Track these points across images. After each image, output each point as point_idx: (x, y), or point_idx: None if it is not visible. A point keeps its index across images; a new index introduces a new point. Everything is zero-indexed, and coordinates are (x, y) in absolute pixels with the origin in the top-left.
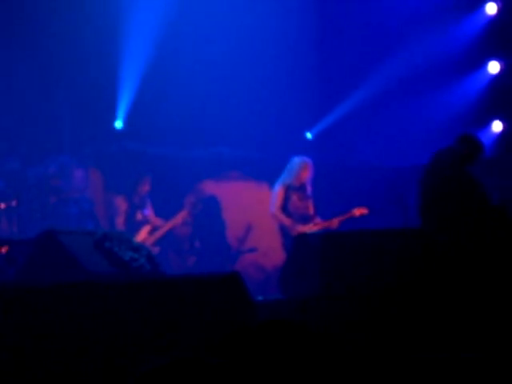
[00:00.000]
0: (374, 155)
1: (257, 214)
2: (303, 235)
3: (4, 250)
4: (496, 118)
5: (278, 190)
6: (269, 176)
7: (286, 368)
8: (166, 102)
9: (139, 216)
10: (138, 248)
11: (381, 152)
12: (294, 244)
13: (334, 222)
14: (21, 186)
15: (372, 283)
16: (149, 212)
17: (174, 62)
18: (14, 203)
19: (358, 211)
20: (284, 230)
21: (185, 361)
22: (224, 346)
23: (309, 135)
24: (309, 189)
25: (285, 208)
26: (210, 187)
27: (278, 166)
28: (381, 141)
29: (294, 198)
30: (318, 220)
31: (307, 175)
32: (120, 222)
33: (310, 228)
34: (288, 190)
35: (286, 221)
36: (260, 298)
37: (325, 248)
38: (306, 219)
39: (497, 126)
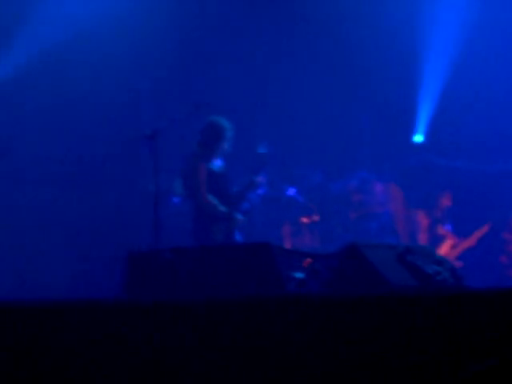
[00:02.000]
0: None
1: None
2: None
3: (307, 263)
4: None
5: None
6: None
7: None
8: (469, 113)
9: (441, 230)
10: (441, 261)
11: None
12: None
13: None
14: (323, 200)
15: None
16: (449, 227)
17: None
18: (316, 218)
19: None
20: None
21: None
22: None
23: None
24: None
25: None
26: None
27: None
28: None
29: None
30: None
31: None
32: (423, 237)
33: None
34: None
35: None
36: None
37: None
38: None
39: None
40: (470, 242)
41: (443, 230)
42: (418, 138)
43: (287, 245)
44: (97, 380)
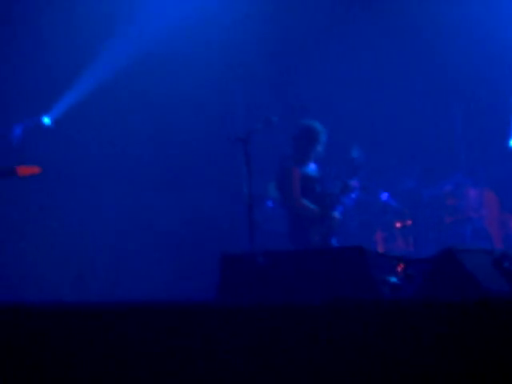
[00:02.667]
0: None
1: None
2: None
3: (401, 267)
4: None
5: None
6: None
7: None
8: None
9: None
10: None
11: None
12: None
13: None
14: (416, 205)
15: None
16: None
17: None
18: (409, 222)
19: None
20: None
21: None
22: None
23: None
24: None
25: None
26: None
27: None
28: None
29: None
30: None
31: None
32: None
33: None
34: None
35: None
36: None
37: None
38: None
39: None
40: None
41: None
42: None
43: (380, 249)
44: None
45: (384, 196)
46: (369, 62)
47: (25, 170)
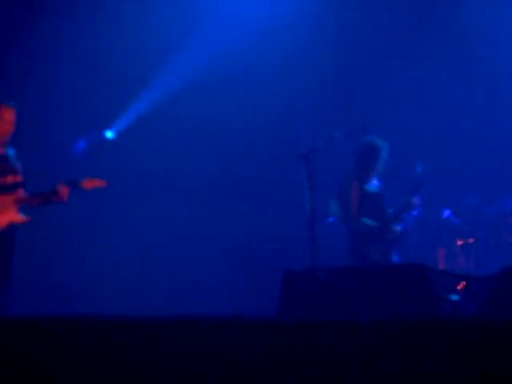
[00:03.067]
0: None
1: None
2: None
3: (462, 285)
4: None
5: None
6: None
7: None
8: None
9: None
10: None
11: None
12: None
13: None
14: (478, 223)
15: None
16: None
17: None
18: (470, 240)
19: None
20: None
21: None
22: None
23: None
24: None
25: None
26: None
27: None
28: None
29: None
30: None
31: None
32: None
33: None
34: None
35: None
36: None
37: None
38: None
39: None
40: None
41: None
42: None
43: (441, 266)
44: None
45: (446, 213)
46: (431, 77)
47: (90, 183)
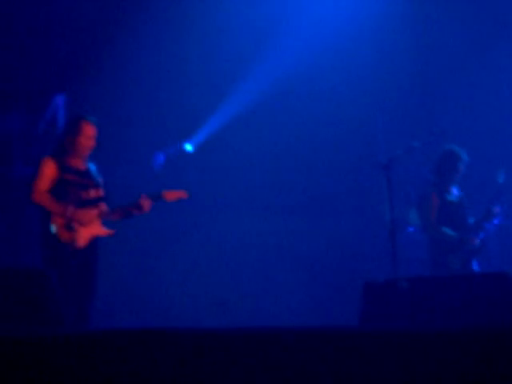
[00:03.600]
0: None
1: None
2: None
3: None
4: None
5: None
6: None
7: None
8: None
9: None
10: None
11: None
12: None
13: None
14: None
15: None
16: None
17: None
18: None
19: None
20: None
21: None
22: None
23: None
24: None
25: None
26: None
27: None
28: None
29: None
30: None
31: None
32: None
33: None
34: None
35: None
36: None
37: None
38: None
39: None
40: None
41: None
42: None
43: None
44: None
45: None
46: (510, 84)
47: (172, 195)
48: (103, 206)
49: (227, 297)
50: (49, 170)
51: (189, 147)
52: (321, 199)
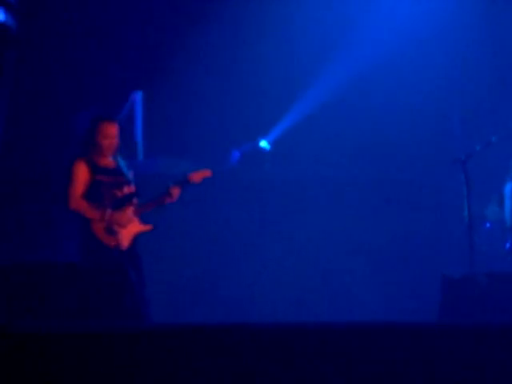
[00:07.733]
0: None
1: None
2: None
3: None
4: None
5: None
6: None
7: None
8: None
9: None
10: None
11: None
12: None
13: None
14: None
15: None
16: None
17: None
18: None
19: None
20: None
21: None
22: None
23: None
24: None
25: None
26: None
27: None
28: None
29: None
30: None
31: None
32: None
33: None
34: None
35: None
36: None
37: None
38: None
39: None
40: None
41: None
42: None
43: None
44: None
45: None
46: None
47: (197, 176)
48: (136, 202)
49: (301, 291)
50: (82, 174)
51: (265, 144)
52: (398, 194)
